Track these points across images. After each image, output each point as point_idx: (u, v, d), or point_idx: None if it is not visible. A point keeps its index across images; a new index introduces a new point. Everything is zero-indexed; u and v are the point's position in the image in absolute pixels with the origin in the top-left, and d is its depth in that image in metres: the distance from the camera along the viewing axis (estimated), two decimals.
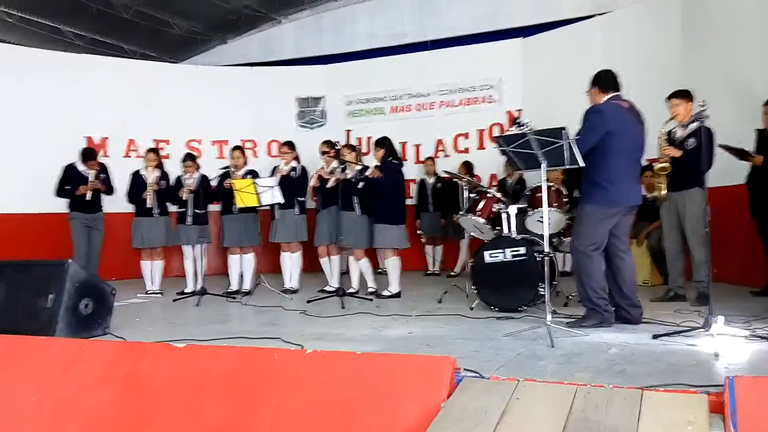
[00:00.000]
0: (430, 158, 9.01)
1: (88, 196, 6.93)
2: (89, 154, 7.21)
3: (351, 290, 6.47)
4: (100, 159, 7.31)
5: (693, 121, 5.07)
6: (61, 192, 7.08)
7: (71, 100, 8.92)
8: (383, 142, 6.42)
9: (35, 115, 8.60)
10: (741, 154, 5.48)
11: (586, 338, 3.95)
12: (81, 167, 7.12)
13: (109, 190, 7.20)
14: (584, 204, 4.38)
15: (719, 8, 6.70)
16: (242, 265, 7.12)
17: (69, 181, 7.04)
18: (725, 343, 3.55)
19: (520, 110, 9.09)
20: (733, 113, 5.94)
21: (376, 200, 6.28)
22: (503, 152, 4.44)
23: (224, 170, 7.04)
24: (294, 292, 6.86)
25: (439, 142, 9.60)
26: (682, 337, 3.79)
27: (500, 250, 5.18)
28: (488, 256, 5.21)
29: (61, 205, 7.35)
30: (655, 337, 3.84)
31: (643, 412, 2.32)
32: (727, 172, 5.70)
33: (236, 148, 7.28)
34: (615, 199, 4.27)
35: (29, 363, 3.55)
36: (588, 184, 4.36)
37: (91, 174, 7.05)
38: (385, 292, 6.27)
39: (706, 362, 3.22)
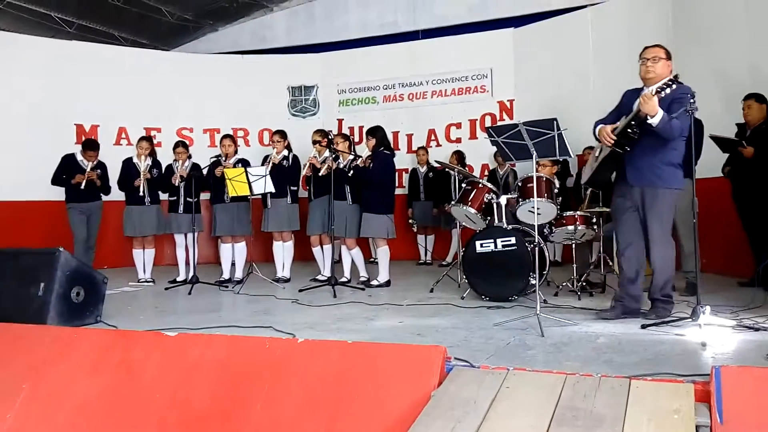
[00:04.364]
0: (422, 148, 9.02)
1: (83, 185, 6.93)
2: (91, 144, 7.23)
3: (343, 279, 6.49)
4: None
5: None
6: (57, 180, 7.11)
7: (61, 88, 8.86)
8: (375, 132, 6.41)
9: (24, 103, 8.54)
10: (731, 144, 5.51)
11: (575, 328, 3.99)
12: (79, 157, 7.14)
13: (105, 189, 7.22)
14: (660, 188, 4.11)
15: (708, 2, 6.73)
16: (234, 254, 7.11)
17: (66, 171, 7.05)
18: (712, 333, 3.58)
19: (511, 100, 9.12)
20: (720, 106, 5.98)
21: (366, 189, 6.29)
22: (494, 143, 4.44)
23: (215, 159, 7.02)
24: (286, 281, 6.87)
25: (431, 131, 9.60)
26: (670, 327, 3.83)
27: (491, 240, 5.20)
28: (479, 246, 5.24)
29: (51, 193, 7.36)
30: (644, 327, 3.88)
31: (630, 400, 2.36)
32: (715, 163, 5.74)
33: (226, 136, 7.24)
34: (681, 180, 4.19)
35: (21, 351, 3.56)
36: (664, 166, 4.12)
37: (88, 165, 7.05)
38: (374, 282, 6.30)
39: (693, 352, 3.26)
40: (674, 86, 3.90)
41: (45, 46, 8.93)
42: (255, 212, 7.09)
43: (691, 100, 3.87)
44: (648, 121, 3.92)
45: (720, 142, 5.55)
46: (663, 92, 3.90)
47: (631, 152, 4.14)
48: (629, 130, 4.05)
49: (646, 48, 4.22)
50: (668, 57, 4.15)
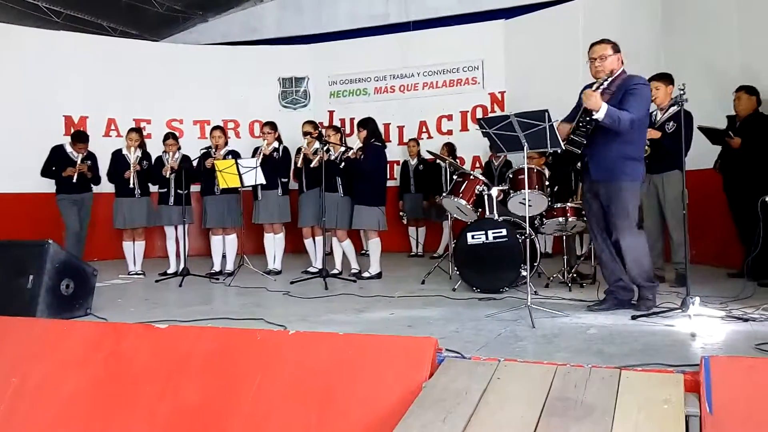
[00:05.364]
0: (413, 140, 9.01)
1: (75, 178, 6.88)
2: (80, 136, 7.16)
3: (334, 271, 6.49)
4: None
5: (672, 105, 5.11)
6: (46, 172, 7.05)
7: (49, 79, 8.78)
8: (366, 123, 6.40)
9: (12, 94, 8.46)
10: (719, 135, 5.54)
11: (565, 319, 4.00)
12: (69, 149, 7.08)
13: (95, 180, 7.17)
14: (624, 182, 4.14)
15: None
16: (225, 246, 7.09)
17: (56, 162, 6.99)
18: (702, 324, 3.61)
19: (502, 92, 9.11)
20: (710, 98, 6.00)
21: (357, 181, 6.27)
22: (486, 134, 4.44)
23: (205, 150, 6.99)
24: (277, 273, 6.86)
25: (423, 123, 9.58)
26: (660, 318, 3.86)
27: (482, 232, 5.22)
28: (471, 238, 5.25)
29: (40, 185, 7.29)
30: (634, 317, 3.90)
31: (620, 390, 2.37)
32: (704, 155, 5.76)
33: (216, 127, 7.21)
34: (642, 173, 4.25)
35: (10, 343, 3.54)
36: (625, 160, 4.13)
37: (78, 157, 7.00)
38: (365, 274, 6.30)
39: (683, 342, 3.28)
40: (610, 79, 4.02)
41: (33, 36, 8.82)
42: (246, 204, 7.07)
43: (681, 92, 3.90)
44: (593, 117, 3.97)
45: (708, 132, 5.58)
46: (600, 87, 4.02)
47: (591, 148, 4.18)
48: (581, 125, 4.11)
49: (591, 46, 4.27)
50: (616, 50, 4.20)
